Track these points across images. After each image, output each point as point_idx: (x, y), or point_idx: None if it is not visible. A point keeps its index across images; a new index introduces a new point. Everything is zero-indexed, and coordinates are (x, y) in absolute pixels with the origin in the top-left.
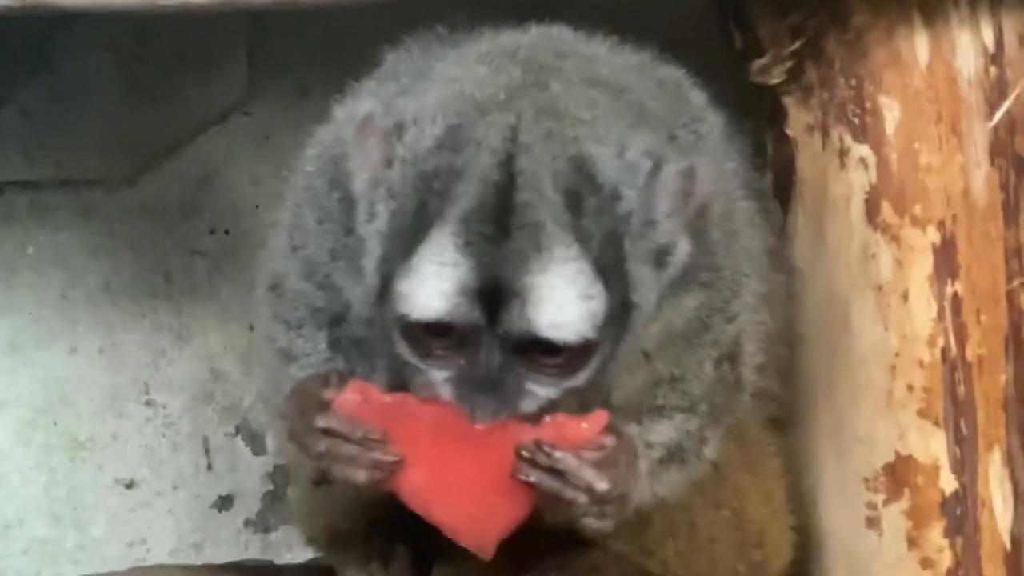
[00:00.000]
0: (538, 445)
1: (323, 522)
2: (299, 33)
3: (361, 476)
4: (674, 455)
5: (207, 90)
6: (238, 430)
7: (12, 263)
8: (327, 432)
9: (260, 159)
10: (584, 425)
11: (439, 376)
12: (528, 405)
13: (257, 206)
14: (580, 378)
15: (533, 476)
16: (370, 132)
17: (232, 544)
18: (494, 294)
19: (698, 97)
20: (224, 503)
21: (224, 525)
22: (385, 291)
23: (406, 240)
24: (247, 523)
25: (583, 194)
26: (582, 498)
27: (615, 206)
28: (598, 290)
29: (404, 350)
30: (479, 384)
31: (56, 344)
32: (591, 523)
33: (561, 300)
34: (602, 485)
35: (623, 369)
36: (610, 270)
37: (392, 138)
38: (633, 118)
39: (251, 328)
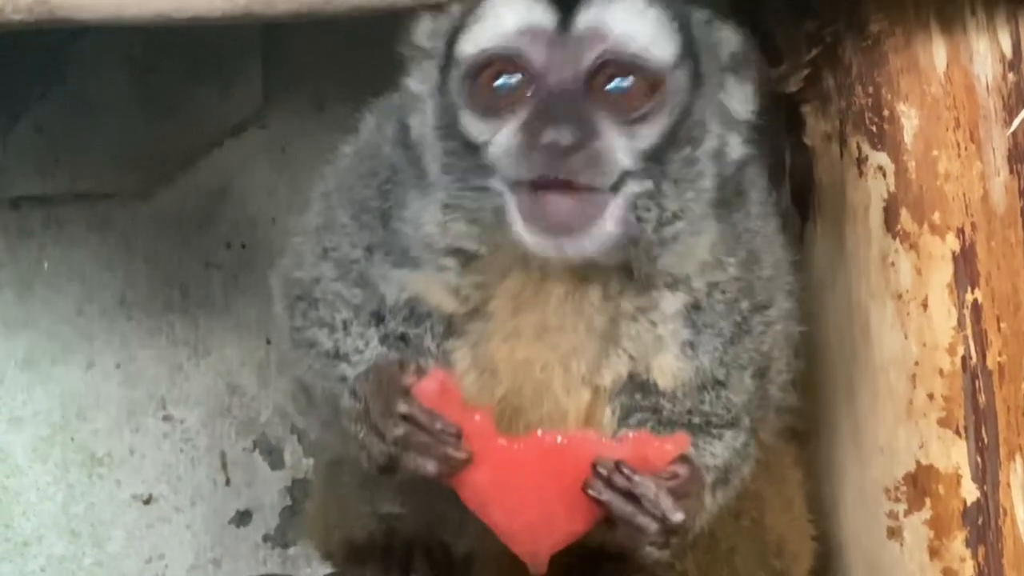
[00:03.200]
0: (617, 466)
1: (340, 535)
2: (314, 45)
3: (431, 467)
4: (722, 477)
5: (222, 103)
6: (256, 445)
7: (28, 278)
8: (406, 418)
9: (276, 171)
10: (668, 446)
11: (511, 128)
12: (601, 146)
13: (273, 219)
14: (654, 126)
15: (605, 495)
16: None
17: (250, 559)
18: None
19: None
20: (242, 518)
21: (242, 540)
22: (449, 75)
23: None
24: (265, 538)
25: None
26: (654, 526)
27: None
28: (673, 19)
29: (472, 126)
30: (551, 118)
31: (72, 359)
32: (652, 552)
33: (637, 8)
34: (678, 516)
35: (673, 343)
36: (682, 26)
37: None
38: None
39: (268, 342)
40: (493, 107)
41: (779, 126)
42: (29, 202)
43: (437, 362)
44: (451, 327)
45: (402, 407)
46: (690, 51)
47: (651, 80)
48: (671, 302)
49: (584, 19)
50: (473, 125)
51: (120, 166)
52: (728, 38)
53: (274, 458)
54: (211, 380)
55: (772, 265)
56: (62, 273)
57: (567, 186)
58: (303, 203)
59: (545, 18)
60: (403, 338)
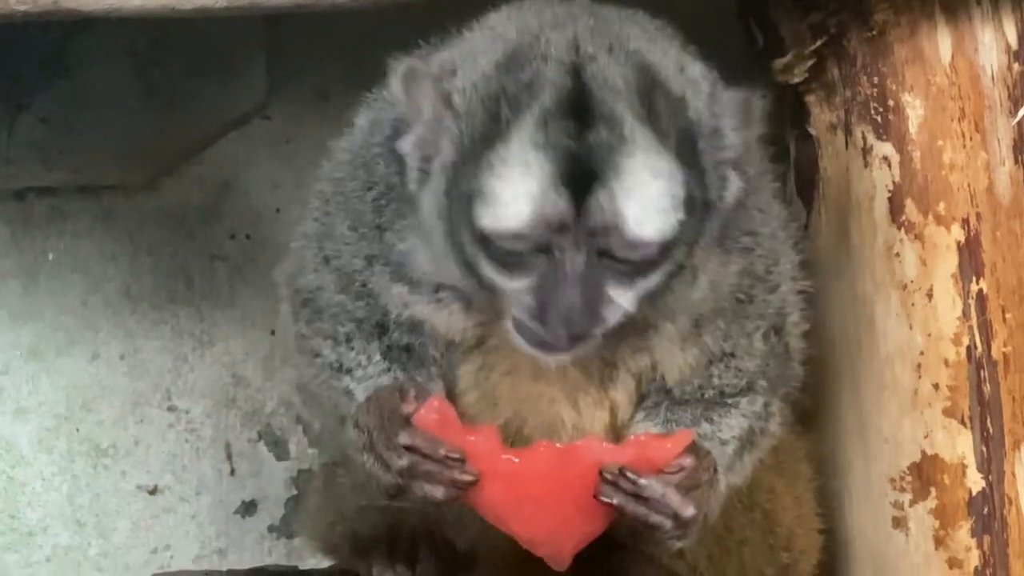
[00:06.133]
0: (622, 471)
1: (343, 529)
2: (318, 36)
3: (439, 493)
4: (746, 443)
5: (226, 95)
6: (260, 435)
7: (32, 270)
8: (409, 449)
9: (280, 163)
10: (668, 445)
11: (520, 285)
12: (610, 313)
13: (277, 210)
14: (656, 277)
15: (616, 499)
16: (419, 79)
17: (256, 549)
18: (581, 184)
19: None
20: (247, 508)
21: (248, 531)
22: (460, 215)
23: (480, 156)
24: (271, 528)
25: (655, 95)
26: (667, 523)
27: (685, 110)
28: (681, 177)
29: (486, 268)
30: (561, 291)
31: (77, 351)
32: (672, 544)
33: (649, 188)
34: (688, 511)
35: (673, 344)
36: (687, 165)
37: (444, 80)
38: (682, 46)
39: (272, 333)
40: (507, 265)
41: (784, 116)
42: (34, 193)
43: (440, 371)
44: (455, 345)
45: (404, 438)
46: (701, 210)
47: (661, 245)
48: (671, 329)
49: (598, 212)
50: (486, 269)
51: (124, 158)
52: (733, 182)
53: (279, 449)
54: (216, 371)
55: (770, 236)
56: (67, 264)
57: None
58: (305, 199)
59: (561, 208)
60: (407, 348)
